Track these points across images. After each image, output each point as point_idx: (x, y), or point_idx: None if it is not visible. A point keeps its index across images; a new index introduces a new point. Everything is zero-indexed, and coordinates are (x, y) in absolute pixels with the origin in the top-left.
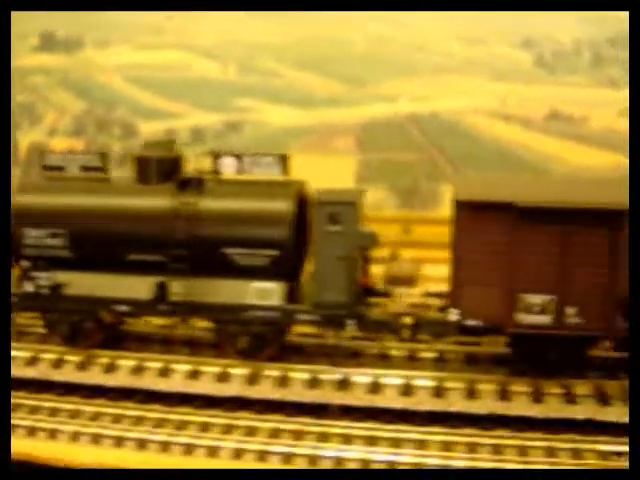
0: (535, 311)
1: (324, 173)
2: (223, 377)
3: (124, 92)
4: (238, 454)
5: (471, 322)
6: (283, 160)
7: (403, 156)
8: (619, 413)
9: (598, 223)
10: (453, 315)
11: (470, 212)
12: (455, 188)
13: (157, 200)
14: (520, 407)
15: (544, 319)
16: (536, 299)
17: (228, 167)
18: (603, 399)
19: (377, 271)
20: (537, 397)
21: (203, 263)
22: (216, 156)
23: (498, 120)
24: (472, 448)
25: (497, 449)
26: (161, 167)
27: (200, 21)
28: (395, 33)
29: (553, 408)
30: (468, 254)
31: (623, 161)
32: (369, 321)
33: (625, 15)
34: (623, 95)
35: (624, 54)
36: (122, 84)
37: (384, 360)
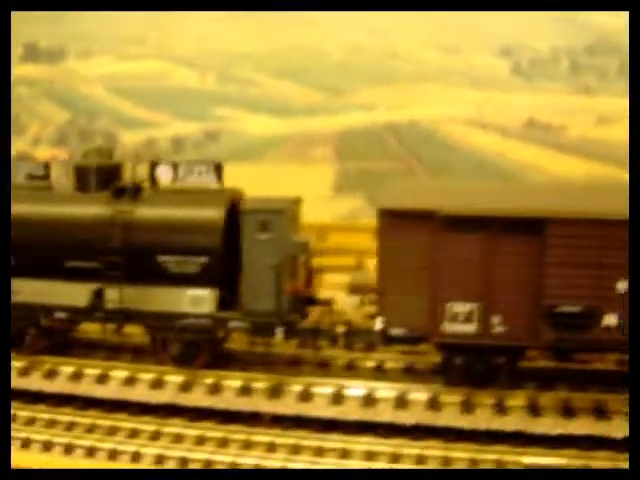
0: (460, 320)
1: (300, 182)
2: (157, 384)
3: (106, 102)
4: (160, 460)
5: (396, 331)
6: (217, 168)
7: (381, 165)
8: (550, 424)
9: (521, 231)
10: (378, 324)
11: (393, 220)
12: (381, 196)
13: (94, 208)
14: (449, 418)
15: (469, 328)
16: (461, 308)
17: (164, 175)
18: (534, 410)
19: (343, 280)
20: (467, 408)
21: (138, 270)
22: (153, 164)
23: (475, 128)
24: (395, 457)
25: (420, 459)
26: (99, 175)
27: (180, 31)
28: (370, 41)
29: (482, 419)
30: (392, 262)
31: (597, 169)
32: (299, 329)
33: (603, 21)
34: (600, 103)
35: (601, 62)
36: (104, 94)
37: (323, 368)
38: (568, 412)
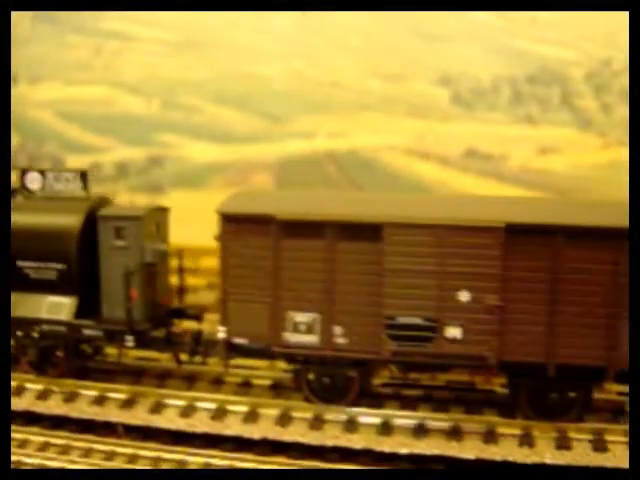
0: (302, 330)
1: None
2: (18, 391)
3: (54, 127)
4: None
5: (238, 341)
6: (83, 176)
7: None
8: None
9: (361, 238)
10: (221, 333)
11: (234, 225)
12: (226, 202)
13: None
14: (296, 433)
15: (311, 339)
16: (302, 317)
17: (33, 183)
18: (386, 429)
19: None
20: (317, 425)
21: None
22: (23, 172)
23: (416, 157)
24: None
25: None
26: None
27: (126, 56)
28: (312, 70)
29: (330, 435)
30: (234, 269)
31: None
32: (149, 338)
33: (544, 51)
34: (542, 133)
35: (543, 91)
36: (52, 119)
37: (191, 381)
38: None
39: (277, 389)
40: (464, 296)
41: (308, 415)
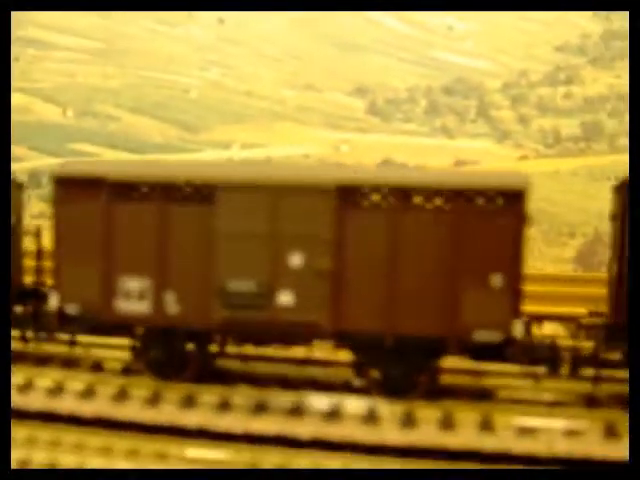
0: (133, 297)
1: None
2: None
3: None
4: None
5: (70, 309)
6: None
7: None
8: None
9: (193, 201)
10: (53, 300)
11: (66, 188)
12: (58, 165)
13: None
14: (133, 412)
15: (142, 307)
16: (133, 283)
17: None
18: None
19: None
20: (154, 401)
21: None
22: None
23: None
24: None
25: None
26: None
27: (43, 64)
28: (227, 79)
29: (167, 413)
30: (67, 232)
31: None
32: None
33: (461, 62)
34: (458, 144)
35: (459, 102)
36: None
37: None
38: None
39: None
40: (296, 260)
41: (145, 393)
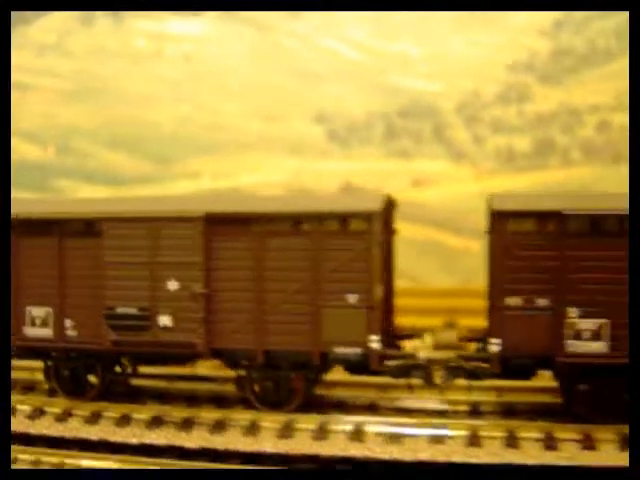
0: (38, 324)
1: None
2: None
3: None
4: None
5: None
6: None
7: None
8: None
9: (85, 234)
10: None
11: None
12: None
13: None
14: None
15: (46, 332)
16: (38, 312)
17: None
18: (93, 419)
19: None
20: (62, 419)
21: None
22: None
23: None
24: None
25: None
26: None
27: (24, 106)
28: (197, 114)
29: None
30: None
31: (412, 230)
32: None
33: (415, 85)
34: (415, 166)
35: (415, 125)
36: None
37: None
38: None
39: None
40: (172, 285)
41: (56, 410)
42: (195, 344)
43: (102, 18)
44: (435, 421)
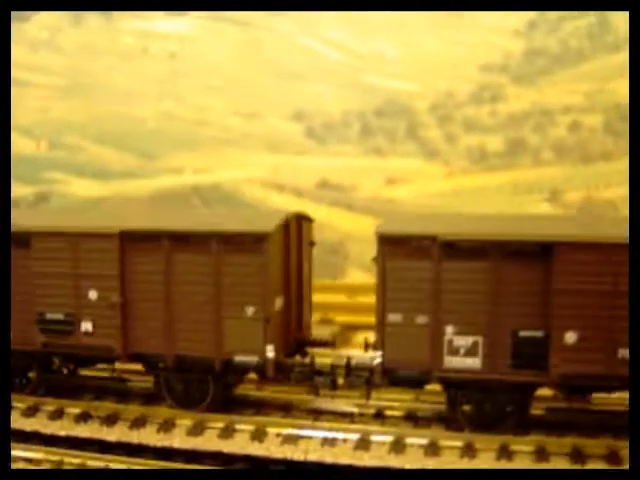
0: None
1: None
2: None
3: None
4: None
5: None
6: None
7: None
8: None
9: (20, 246)
10: None
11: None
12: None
13: None
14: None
15: None
16: None
17: None
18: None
19: None
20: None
21: None
22: None
23: (272, 189)
24: None
25: None
26: None
27: (21, 101)
28: (180, 109)
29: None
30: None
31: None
32: None
33: (390, 85)
34: (389, 164)
35: (390, 123)
36: None
37: None
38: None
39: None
40: (93, 295)
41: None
42: (113, 348)
43: (92, 16)
44: (332, 424)
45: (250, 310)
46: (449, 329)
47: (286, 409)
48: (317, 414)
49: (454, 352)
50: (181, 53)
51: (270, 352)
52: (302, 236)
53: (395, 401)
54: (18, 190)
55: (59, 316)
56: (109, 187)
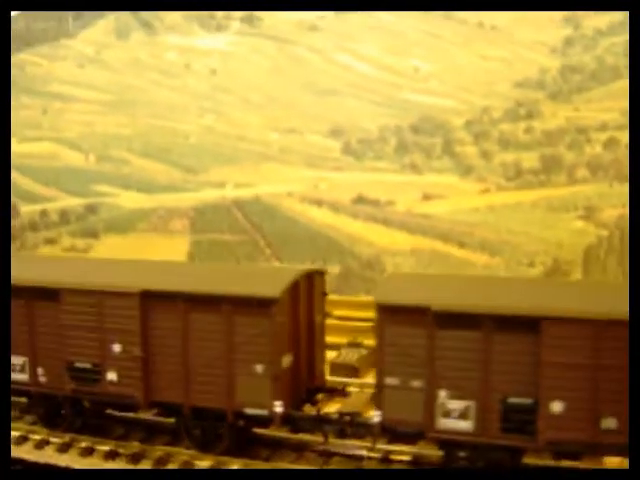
0: (17, 370)
1: (162, 253)
2: None
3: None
4: None
5: None
6: None
7: (229, 237)
8: None
9: (48, 301)
10: None
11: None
12: None
13: None
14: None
15: (24, 377)
16: (18, 360)
17: None
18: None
19: None
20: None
21: None
22: None
23: (310, 204)
24: None
25: None
26: None
27: (68, 115)
28: (220, 124)
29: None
30: None
31: (421, 242)
32: None
33: (426, 101)
34: (425, 180)
35: (426, 140)
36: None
37: None
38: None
39: None
40: (117, 348)
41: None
42: (135, 396)
43: (136, 32)
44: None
45: (259, 368)
46: (442, 393)
47: (300, 449)
48: (328, 456)
49: (447, 414)
50: (221, 69)
51: (278, 407)
52: (313, 290)
53: (403, 445)
54: (69, 202)
55: (87, 365)
56: (153, 199)
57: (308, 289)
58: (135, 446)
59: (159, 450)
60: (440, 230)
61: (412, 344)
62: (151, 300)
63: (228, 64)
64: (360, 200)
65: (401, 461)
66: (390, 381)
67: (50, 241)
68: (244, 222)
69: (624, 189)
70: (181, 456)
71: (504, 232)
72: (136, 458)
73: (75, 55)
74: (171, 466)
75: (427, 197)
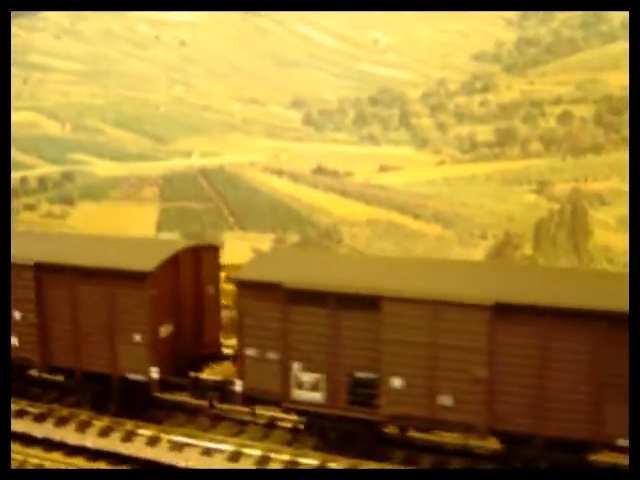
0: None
1: (132, 220)
2: None
3: None
4: None
5: None
6: None
7: (195, 205)
8: None
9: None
10: None
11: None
12: None
13: None
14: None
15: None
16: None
17: None
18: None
19: None
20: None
21: None
22: None
23: (272, 174)
24: None
25: None
26: None
27: (46, 85)
28: (188, 95)
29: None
30: None
31: (378, 213)
32: None
33: (385, 73)
34: (382, 151)
35: (383, 112)
36: None
37: None
38: None
39: None
40: (17, 315)
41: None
42: (34, 361)
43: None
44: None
45: (137, 337)
46: (296, 365)
47: (193, 412)
48: (217, 420)
49: (300, 386)
50: (190, 40)
51: (154, 373)
52: (202, 263)
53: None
54: (47, 169)
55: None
56: (125, 168)
57: (195, 263)
58: (43, 407)
59: (64, 410)
60: (396, 201)
61: (268, 317)
62: (44, 272)
63: (196, 35)
64: (319, 171)
65: (284, 428)
66: (249, 352)
67: (30, 207)
68: (209, 191)
69: (577, 162)
70: (82, 416)
71: (458, 204)
72: (43, 417)
73: (51, 26)
74: (70, 425)
75: (384, 168)
